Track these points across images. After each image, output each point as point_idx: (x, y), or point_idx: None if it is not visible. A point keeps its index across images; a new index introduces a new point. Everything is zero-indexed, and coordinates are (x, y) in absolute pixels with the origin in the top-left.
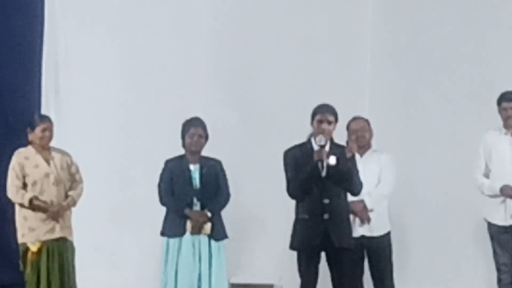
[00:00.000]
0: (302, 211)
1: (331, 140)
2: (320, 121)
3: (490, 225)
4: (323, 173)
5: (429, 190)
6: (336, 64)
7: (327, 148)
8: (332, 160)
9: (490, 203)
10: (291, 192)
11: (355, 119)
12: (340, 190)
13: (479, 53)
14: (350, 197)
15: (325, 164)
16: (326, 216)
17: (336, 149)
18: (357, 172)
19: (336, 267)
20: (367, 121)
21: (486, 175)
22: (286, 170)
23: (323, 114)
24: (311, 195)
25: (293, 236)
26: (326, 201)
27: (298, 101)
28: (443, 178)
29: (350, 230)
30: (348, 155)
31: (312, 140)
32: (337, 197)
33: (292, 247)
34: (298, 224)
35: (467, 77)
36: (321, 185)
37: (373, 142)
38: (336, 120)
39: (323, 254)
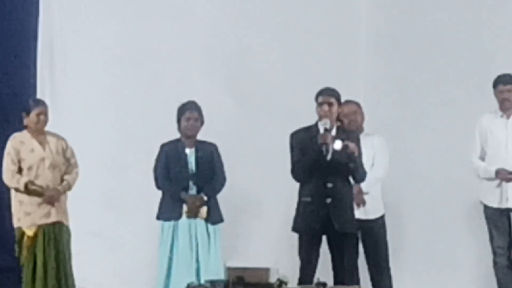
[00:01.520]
0: (305, 194)
1: (339, 124)
2: (321, 103)
3: (486, 208)
4: (328, 157)
5: (424, 173)
6: (331, 48)
7: (333, 132)
8: (338, 144)
9: (486, 186)
10: (295, 175)
11: (346, 102)
12: (345, 175)
13: (474, 36)
14: None
15: (330, 148)
16: (328, 200)
17: (342, 133)
18: (361, 160)
19: (337, 251)
20: (358, 104)
21: (482, 158)
22: (291, 152)
23: (324, 96)
24: (315, 179)
25: (295, 218)
26: (330, 185)
27: (292, 85)
28: (438, 161)
29: (352, 215)
30: (351, 149)
31: (319, 123)
32: (341, 182)
33: (294, 229)
34: (300, 206)
35: (462, 60)
36: (325, 169)
37: (368, 125)
38: (339, 102)
39: (324, 238)
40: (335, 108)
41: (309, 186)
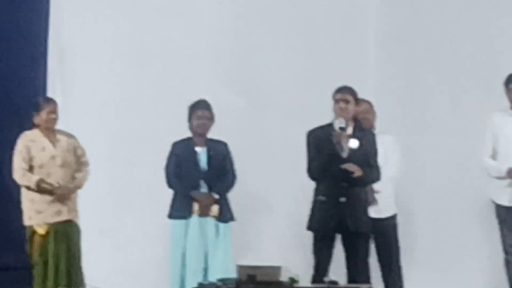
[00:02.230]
0: (320, 193)
1: (356, 123)
2: (338, 101)
3: (498, 207)
4: (344, 156)
5: (435, 172)
6: (340, 46)
7: (349, 131)
8: (354, 143)
9: (497, 185)
10: (311, 173)
11: (358, 101)
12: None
13: (484, 34)
14: None
15: (345, 147)
16: (342, 199)
17: (359, 132)
18: (376, 159)
19: (350, 250)
20: (370, 103)
21: (493, 157)
22: (308, 151)
23: (341, 94)
24: (330, 178)
25: (310, 217)
26: (344, 184)
27: (302, 83)
28: (449, 160)
29: (366, 215)
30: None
31: (334, 122)
32: (356, 181)
33: (309, 228)
34: (315, 205)
35: (472, 58)
36: (340, 168)
37: (378, 124)
38: (356, 100)
39: (338, 237)
40: (351, 106)
41: (324, 185)
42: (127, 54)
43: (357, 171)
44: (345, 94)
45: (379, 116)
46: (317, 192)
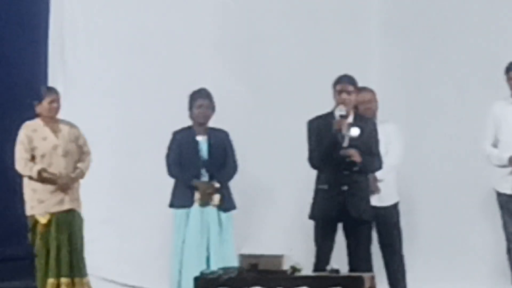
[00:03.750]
0: (322, 182)
1: (356, 111)
2: (340, 91)
3: (499, 195)
4: (344, 144)
5: (437, 161)
6: (344, 34)
7: (350, 119)
8: (355, 131)
9: (499, 173)
10: (312, 162)
11: (361, 89)
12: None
13: (487, 23)
14: None
15: (346, 135)
16: (345, 187)
17: (360, 120)
18: (377, 147)
19: (352, 239)
20: (373, 92)
21: (495, 145)
22: (308, 140)
23: (342, 84)
24: (332, 166)
25: (312, 206)
26: (346, 172)
27: (305, 71)
28: (451, 148)
29: (368, 203)
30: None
31: (335, 110)
32: (358, 169)
33: (311, 217)
34: (317, 194)
35: (476, 47)
36: (342, 156)
37: (381, 113)
38: (356, 89)
39: (340, 225)
40: (353, 96)
41: (326, 174)
42: (130, 42)
43: (355, 156)
44: (345, 84)
45: (382, 104)
46: (318, 180)
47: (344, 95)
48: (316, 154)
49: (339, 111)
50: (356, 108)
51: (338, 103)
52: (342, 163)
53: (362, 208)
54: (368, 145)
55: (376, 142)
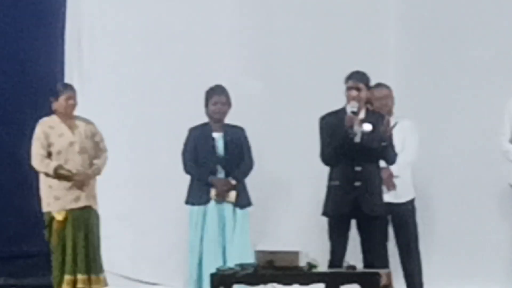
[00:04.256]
0: (334, 178)
1: (367, 107)
2: (350, 88)
3: None
4: (357, 140)
5: (453, 157)
6: (360, 30)
7: (361, 115)
8: (367, 127)
9: None
10: (324, 158)
11: (378, 86)
12: (374, 158)
13: (504, 18)
14: None
15: (358, 131)
16: (357, 183)
17: (372, 116)
18: (392, 141)
19: (366, 235)
20: (389, 88)
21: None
22: (320, 136)
23: (353, 81)
24: (344, 162)
25: (325, 202)
26: (358, 168)
27: (321, 68)
28: (467, 145)
29: (381, 198)
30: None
31: (347, 107)
32: (370, 165)
33: (324, 213)
34: (330, 190)
35: (492, 43)
36: (354, 152)
37: (398, 109)
38: (368, 87)
39: (353, 221)
40: (363, 93)
41: (338, 170)
42: (146, 38)
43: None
44: (356, 81)
45: (399, 100)
46: (331, 177)
47: (354, 92)
48: (328, 150)
49: (351, 108)
50: (369, 103)
51: (349, 100)
52: (354, 159)
53: (375, 203)
54: (381, 140)
55: (390, 136)
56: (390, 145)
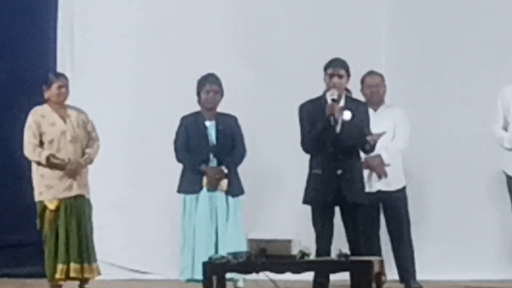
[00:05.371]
0: (316, 166)
1: (347, 95)
2: (331, 75)
3: (509, 178)
4: (338, 128)
5: (445, 144)
6: (352, 19)
7: (341, 103)
8: (347, 115)
9: (509, 156)
10: (305, 147)
11: (370, 73)
12: (353, 146)
13: (497, 6)
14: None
15: (339, 119)
16: (339, 171)
17: (351, 104)
18: (369, 129)
19: (350, 223)
20: (382, 76)
21: (505, 129)
22: (300, 124)
23: (334, 68)
24: (325, 150)
25: (306, 190)
26: (340, 156)
27: (313, 57)
28: (459, 132)
29: (363, 186)
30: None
31: (326, 94)
32: (351, 153)
33: (305, 201)
34: (311, 178)
35: (484, 30)
36: (335, 141)
37: (389, 96)
38: (348, 74)
39: (337, 209)
40: (344, 80)
41: (319, 158)
42: (139, 28)
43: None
44: (337, 68)
45: (390, 88)
46: (312, 165)
47: (335, 79)
48: (309, 138)
49: (331, 95)
50: (346, 91)
51: (329, 87)
52: (335, 147)
53: (357, 191)
54: (360, 127)
55: (367, 124)
56: (368, 134)
